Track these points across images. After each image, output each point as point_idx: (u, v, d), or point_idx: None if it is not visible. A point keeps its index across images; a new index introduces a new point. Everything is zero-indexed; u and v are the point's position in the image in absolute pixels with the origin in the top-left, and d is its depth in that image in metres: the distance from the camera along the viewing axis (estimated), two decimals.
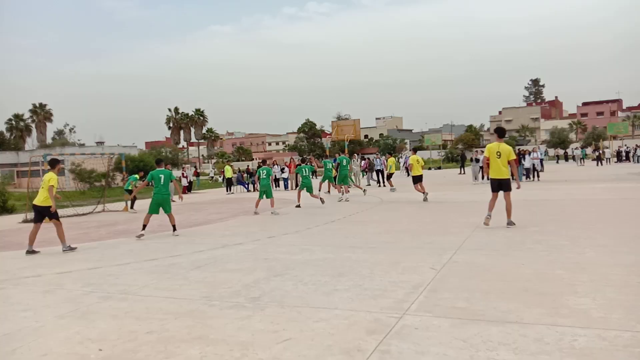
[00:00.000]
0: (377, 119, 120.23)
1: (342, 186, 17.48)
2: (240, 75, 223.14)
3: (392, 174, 21.68)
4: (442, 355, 3.52)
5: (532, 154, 24.50)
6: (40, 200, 9.14)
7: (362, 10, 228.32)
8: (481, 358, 3.43)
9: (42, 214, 9.20)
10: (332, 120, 44.56)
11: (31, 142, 68.00)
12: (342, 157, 18.30)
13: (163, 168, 11.03)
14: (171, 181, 11.09)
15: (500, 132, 9.65)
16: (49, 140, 69.71)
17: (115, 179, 33.36)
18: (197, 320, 4.61)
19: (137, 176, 19.02)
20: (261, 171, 14.34)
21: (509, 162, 9.22)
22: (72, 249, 9.11)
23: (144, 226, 10.34)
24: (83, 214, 16.94)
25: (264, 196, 14.05)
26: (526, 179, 23.90)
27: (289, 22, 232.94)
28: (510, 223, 9.13)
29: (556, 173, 28.56)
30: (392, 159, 22.37)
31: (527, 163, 23.86)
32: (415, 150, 18.58)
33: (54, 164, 9.50)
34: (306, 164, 17.93)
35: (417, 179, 16.00)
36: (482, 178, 24.51)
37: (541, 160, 27.20)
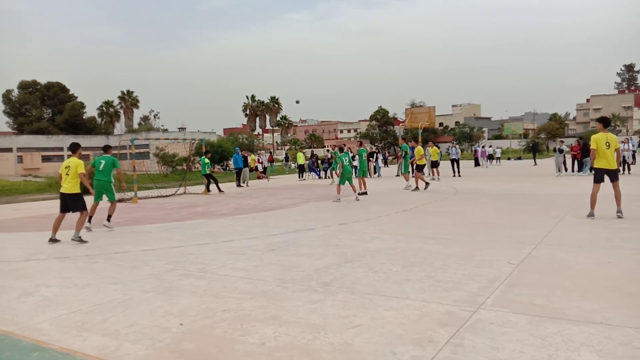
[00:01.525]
0: (453, 106, 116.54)
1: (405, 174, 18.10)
2: (314, 62, 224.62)
3: (437, 163, 21.81)
4: (518, 352, 3.39)
5: (622, 145, 22.77)
6: (69, 188, 8.58)
7: None
8: (561, 358, 3.28)
9: (69, 202, 8.63)
10: (405, 108, 43.76)
11: (120, 127, 72.62)
12: (404, 146, 18.60)
13: (108, 154, 10.34)
14: (115, 168, 10.23)
15: (605, 122, 9.50)
16: (135, 125, 74.11)
17: (196, 163, 34.92)
18: (271, 301, 4.75)
19: (206, 158, 19.58)
20: (344, 157, 14.22)
21: (615, 151, 9.16)
22: (82, 241, 8.44)
23: (90, 217, 9.69)
24: (166, 196, 17.91)
25: (347, 182, 14.14)
26: None
27: (365, 7, 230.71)
28: (620, 212, 9.01)
29: None
30: (434, 149, 21.98)
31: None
32: (429, 142, 19.12)
33: (74, 148, 9.01)
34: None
35: (420, 168, 17.43)
36: (566, 170, 23.19)
37: (633, 152, 25.22)
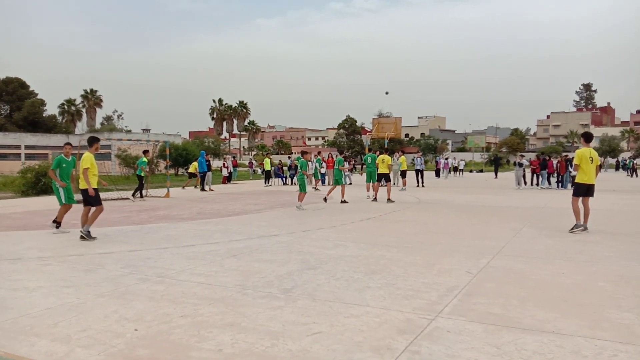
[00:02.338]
0: (419, 117, 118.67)
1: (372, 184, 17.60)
2: (284, 69, 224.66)
3: (405, 172, 22.21)
4: None
5: None
6: (81, 184, 8.79)
7: (409, 7, 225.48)
8: None
9: (83, 197, 8.81)
10: (373, 118, 44.21)
11: (81, 126, 70.74)
12: (367, 155, 18.31)
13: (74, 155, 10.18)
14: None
15: (587, 137, 9.77)
16: (97, 125, 72.28)
17: (159, 165, 34.29)
18: (230, 307, 4.68)
19: (145, 160, 18.59)
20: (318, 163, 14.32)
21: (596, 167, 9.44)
22: (90, 237, 8.48)
23: (58, 220, 9.55)
24: (126, 198, 17.49)
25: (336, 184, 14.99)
26: (571, 186, 23.10)
27: (336, 17, 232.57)
28: (586, 227, 9.23)
29: (604, 182, 27.41)
30: (403, 158, 22.46)
31: (574, 170, 23.07)
32: (387, 150, 19.23)
33: (91, 142, 9.00)
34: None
35: (381, 177, 16.59)
36: (525, 183, 23.89)
37: None
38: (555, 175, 23.38)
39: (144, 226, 10.45)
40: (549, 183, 23.51)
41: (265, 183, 27.29)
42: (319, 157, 26.98)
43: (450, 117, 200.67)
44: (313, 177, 23.25)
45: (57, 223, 9.49)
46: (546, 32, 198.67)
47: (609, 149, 65.83)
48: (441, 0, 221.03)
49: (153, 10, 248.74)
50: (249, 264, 6.56)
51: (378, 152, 17.73)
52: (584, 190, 9.35)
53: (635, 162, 42.58)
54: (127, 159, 33.80)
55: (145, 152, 19.13)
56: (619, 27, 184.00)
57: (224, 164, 30.39)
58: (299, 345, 3.73)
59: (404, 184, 21.61)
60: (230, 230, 9.73)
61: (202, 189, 22.36)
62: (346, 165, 17.41)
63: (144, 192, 18.53)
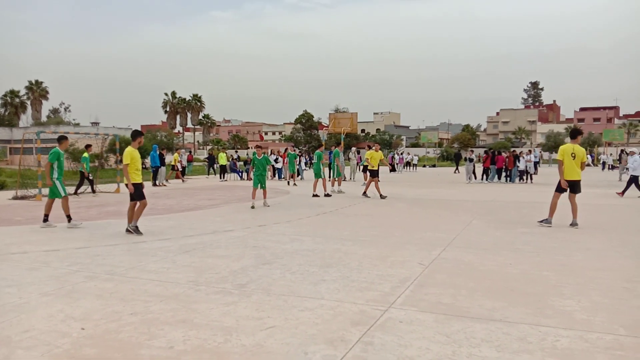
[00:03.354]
0: (375, 113, 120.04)
1: (337, 179, 17.85)
2: (240, 62, 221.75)
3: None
4: (424, 349, 3.52)
5: (526, 155, 24.60)
6: (129, 179, 8.45)
7: (365, 3, 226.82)
8: (463, 354, 3.44)
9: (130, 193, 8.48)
10: (329, 113, 44.42)
11: (26, 119, 67.44)
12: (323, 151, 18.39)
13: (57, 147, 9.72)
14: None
15: (573, 134, 9.49)
16: (43, 118, 69.14)
17: (109, 160, 33.18)
18: (182, 304, 4.59)
19: (87, 155, 17.35)
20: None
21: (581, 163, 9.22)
22: (138, 231, 8.38)
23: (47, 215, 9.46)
24: (74, 194, 16.82)
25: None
26: (519, 180, 24.02)
27: (292, 11, 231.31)
28: (575, 224, 9.17)
29: (550, 176, 28.63)
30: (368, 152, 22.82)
31: (521, 165, 23.97)
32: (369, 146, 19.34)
33: (134, 135, 8.67)
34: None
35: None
36: (475, 178, 24.62)
37: (535, 163, 27.28)
38: (504, 169, 24.19)
39: (92, 222, 10.10)
40: (499, 177, 24.31)
41: (221, 178, 26.91)
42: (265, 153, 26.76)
43: (405, 114, 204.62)
44: (288, 171, 23.08)
45: (46, 216, 9.44)
46: (496, 30, 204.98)
47: (554, 145, 68.68)
48: None
49: (101, 1, 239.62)
50: (202, 260, 6.45)
51: (367, 148, 18.08)
52: (570, 186, 9.22)
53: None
54: (74, 153, 32.52)
55: (88, 146, 17.72)
56: (565, 28, 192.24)
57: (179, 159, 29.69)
58: (252, 340, 3.70)
59: (365, 178, 21.84)
60: (183, 226, 9.54)
61: (155, 184, 21.81)
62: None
63: (95, 187, 17.87)
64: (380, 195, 14.83)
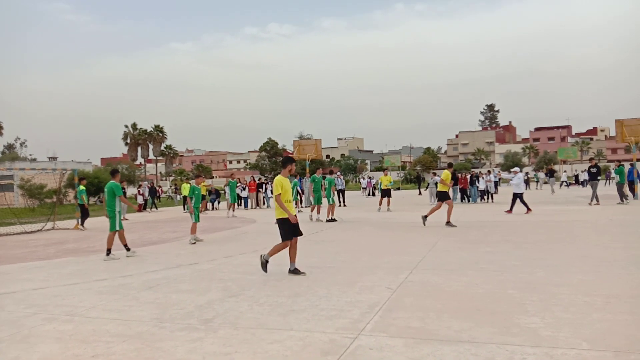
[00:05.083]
0: (338, 139, 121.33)
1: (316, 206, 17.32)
2: (201, 94, 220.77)
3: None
4: None
5: (485, 176, 25.27)
6: (278, 213, 7.38)
7: (322, 33, 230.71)
8: None
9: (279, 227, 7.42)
10: (294, 140, 44.62)
11: None
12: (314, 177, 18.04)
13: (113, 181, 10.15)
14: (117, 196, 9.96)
15: (284, 163, 7.80)
16: None
17: (68, 195, 32.21)
18: (146, 342, 4.44)
19: (83, 187, 18.21)
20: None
21: None
22: (265, 262, 7.53)
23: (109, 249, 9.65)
24: (31, 232, 16.18)
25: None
26: (480, 200, 24.58)
27: (251, 42, 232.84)
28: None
29: (509, 195, 29.41)
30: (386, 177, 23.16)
31: (481, 185, 24.57)
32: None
33: (285, 163, 7.69)
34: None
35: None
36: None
37: (495, 182, 28.03)
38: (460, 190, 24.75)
39: (50, 261, 9.71)
40: (461, 199, 24.81)
41: (184, 209, 26.45)
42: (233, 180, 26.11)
43: (368, 138, 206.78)
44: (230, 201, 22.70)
45: (109, 250, 9.67)
46: (451, 57, 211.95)
47: (512, 164, 70.83)
48: (352, 27, 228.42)
49: (57, 33, 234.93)
50: (167, 296, 6.28)
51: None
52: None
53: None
54: (31, 190, 31.44)
55: (82, 179, 18.83)
56: (515, 52, 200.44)
57: (139, 191, 29.12)
58: None
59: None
60: (145, 260, 9.29)
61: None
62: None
63: (50, 224, 17.29)
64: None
